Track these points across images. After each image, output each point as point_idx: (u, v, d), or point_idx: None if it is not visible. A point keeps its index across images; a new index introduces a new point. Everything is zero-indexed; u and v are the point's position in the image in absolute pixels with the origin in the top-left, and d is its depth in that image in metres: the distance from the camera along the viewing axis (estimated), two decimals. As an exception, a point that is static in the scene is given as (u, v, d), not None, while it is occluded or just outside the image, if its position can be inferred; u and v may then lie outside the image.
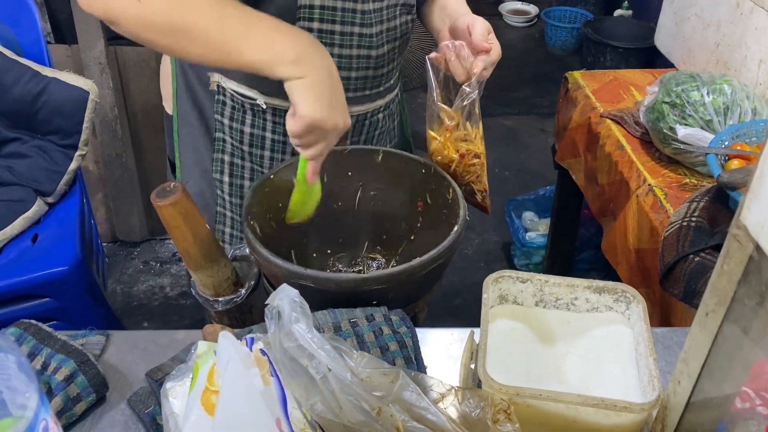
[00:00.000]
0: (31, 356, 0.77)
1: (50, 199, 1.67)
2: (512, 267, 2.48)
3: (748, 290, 0.50)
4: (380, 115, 1.17)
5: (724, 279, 0.51)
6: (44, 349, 0.78)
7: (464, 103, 1.01)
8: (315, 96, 0.84)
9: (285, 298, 0.67)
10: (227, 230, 1.20)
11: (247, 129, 1.11)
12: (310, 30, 0.98)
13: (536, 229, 2.43)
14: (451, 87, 1.05)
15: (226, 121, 1.12)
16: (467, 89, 1.00)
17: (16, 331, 0.79)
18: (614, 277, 1.60)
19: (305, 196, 1.00)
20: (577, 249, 2.30)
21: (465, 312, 2.30)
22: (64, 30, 2.67)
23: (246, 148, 1.13)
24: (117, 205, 2.50)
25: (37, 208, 1.63)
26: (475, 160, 1.08)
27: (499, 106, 3.54)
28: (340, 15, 0.99)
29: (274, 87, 0.97)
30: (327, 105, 0.84)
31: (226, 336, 0.60)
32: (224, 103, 1.11)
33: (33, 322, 0.81)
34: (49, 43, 2.28)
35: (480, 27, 1.00)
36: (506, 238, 2.62)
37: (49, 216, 1.66)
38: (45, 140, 1.67)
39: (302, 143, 0.89)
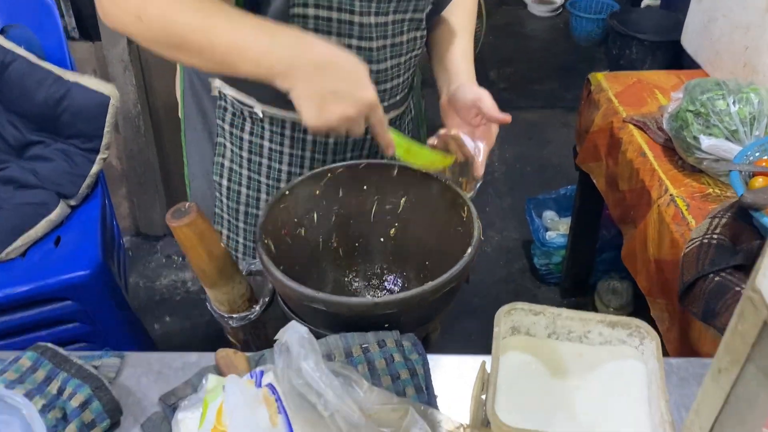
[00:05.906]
0: (48, 380, 0.79)
1: (72, 202, 1.69)
2: (532, 266, 2.46)
3: (762, 352, 0.49)
4: None
5: (737, 339, 0.50)
6: (60, 373, 0.79)
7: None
8: (306, 104, 0.84)
9: (294, 335, 0.67)
10: (224, 231, 1.22)
11: (246, 136, 1.12)
12: None
13: (557, 228, 2.40)
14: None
15: (226, 127, 1.13)
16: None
17: (33, 355, 0.81)
18: (633, 280, 1.58)
19: (409, 158, 0.99)
20: (598, 250, 2.27)
21: (484, 314, 2.29)
22: (89, 26, 2.69)
23: (245, 154, 1.14)
24: (140, 199, 2.53)
25: (60, 210, 1.65)
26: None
27: (522, 98, 3.48)
28: (336, 26, 0.97)
29: (271, 95, 0.98)
30: (319, 108, 0.83)
31: (233, 380, 0.61)
32: (225, 109, 1.11)
33: (50, 345, 0.82)
34: (73, 39, 2.31)
35: (490, 99, 1.03)
36: (526, 236, 2.60)
37: (71, 219, 1.68)
38: (67, 144, 1.69)
39: (338, 132, 0.88)
